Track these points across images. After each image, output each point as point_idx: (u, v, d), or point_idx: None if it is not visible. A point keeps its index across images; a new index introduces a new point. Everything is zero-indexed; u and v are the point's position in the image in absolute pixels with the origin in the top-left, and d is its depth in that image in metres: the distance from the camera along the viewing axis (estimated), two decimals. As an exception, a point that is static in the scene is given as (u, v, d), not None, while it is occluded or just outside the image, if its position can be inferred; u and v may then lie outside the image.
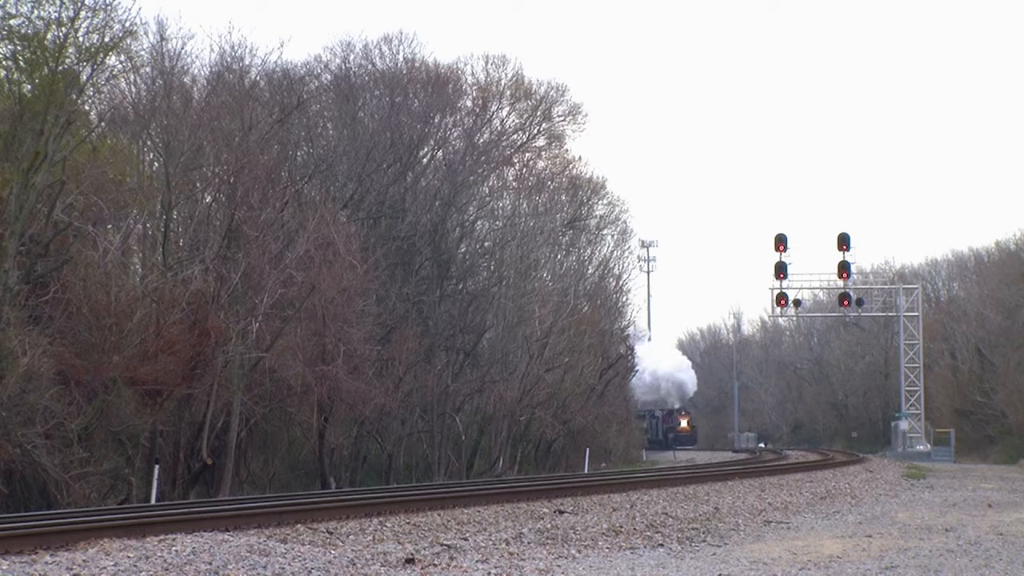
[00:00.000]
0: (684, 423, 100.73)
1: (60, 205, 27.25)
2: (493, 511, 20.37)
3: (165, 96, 34.74)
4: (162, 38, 37.03)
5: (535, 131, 55.22)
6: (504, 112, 54.18)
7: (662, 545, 16.83)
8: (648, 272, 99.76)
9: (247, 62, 40.31)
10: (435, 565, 13.90)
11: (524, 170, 55.59)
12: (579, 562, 14.83)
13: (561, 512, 20.76)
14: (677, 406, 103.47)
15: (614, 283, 68.86)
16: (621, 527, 18.52)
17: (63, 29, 27.21)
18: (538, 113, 54.82)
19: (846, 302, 64.56)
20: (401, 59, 50.53)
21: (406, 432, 43.78)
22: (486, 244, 52.62)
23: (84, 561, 12.62)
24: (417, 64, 50.57)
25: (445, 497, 21.95)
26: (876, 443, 78.51)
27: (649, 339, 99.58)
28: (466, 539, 16.41)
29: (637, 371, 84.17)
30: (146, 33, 36.38)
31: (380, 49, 50.42)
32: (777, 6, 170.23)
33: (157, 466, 27.59)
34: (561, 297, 53.53)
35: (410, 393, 42.37)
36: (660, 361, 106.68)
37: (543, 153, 56.97)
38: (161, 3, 73.38)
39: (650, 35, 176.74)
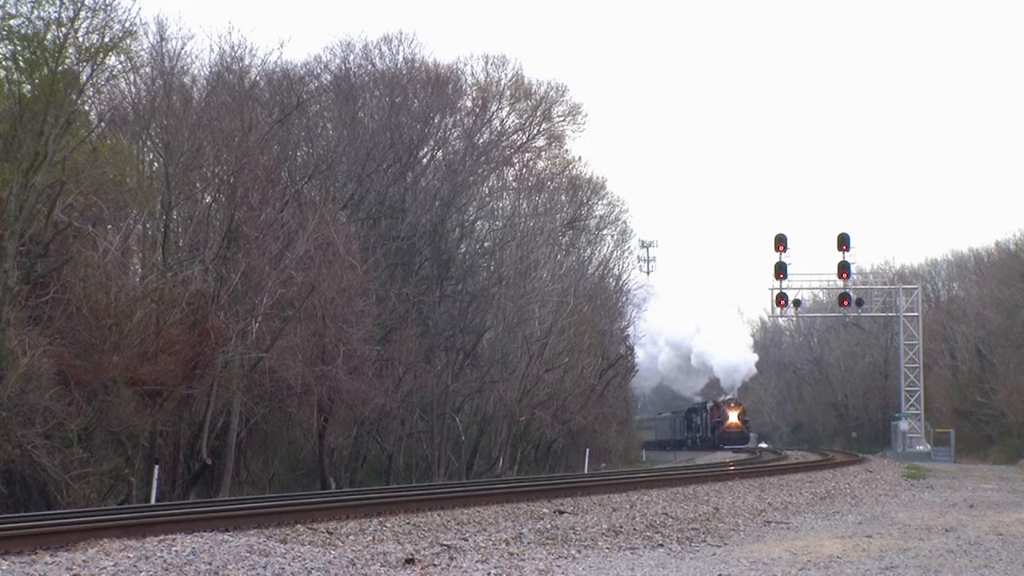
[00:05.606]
0: (734, 416, 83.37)
1: (60, 205, 27.26)
2: (493, 511, 20.36)
3: (165, 96, 34.74)
4: (162, 38, 37.08)
5: (535, 131, 55.29)
6: (504, 112, 54.28)
7: (662, 545, 16.82)
8: (648, 272, 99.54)
9: (247, 62, 40.36)
10: (435, 565, 13.90)
11: (524, 170, 55.66)
12: (579, 562, 14.83)
13: (561, 512, 20.74)
14: (727, 396, 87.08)
15: (614, 283, 68.90)
16: (621, 527, 18.51)
17: (63, 29, 27.23)
18: (538, 113, 54.87)
19: (846, 302, 64.50)
20: (401, 59, 50.59)
21: (406, 432, 43.78)
22: (486, 244, 52.63)
23: (84, 561, 12.62)
24: (417, 64, 50.61)
25: (445, 497, 21.93)
26: (876, 443, 78.47)
27: (650, 298, 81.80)
28: (466, 539, 16.40)
29: (638, 367, 79.45)
30: (146, 33, 36.47)
31: (380, 49, 50.47)
32: (777, 6, 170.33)
33: (157, 466, 27.59)
34: (561, 297, 53.52)
35: (410, 393, 42.37)
36: (692, 331, 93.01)
37: (543, 153, 57.07)
38: (161, 3, 73.44)
39: (650, 35, 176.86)
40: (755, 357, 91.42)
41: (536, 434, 52.81)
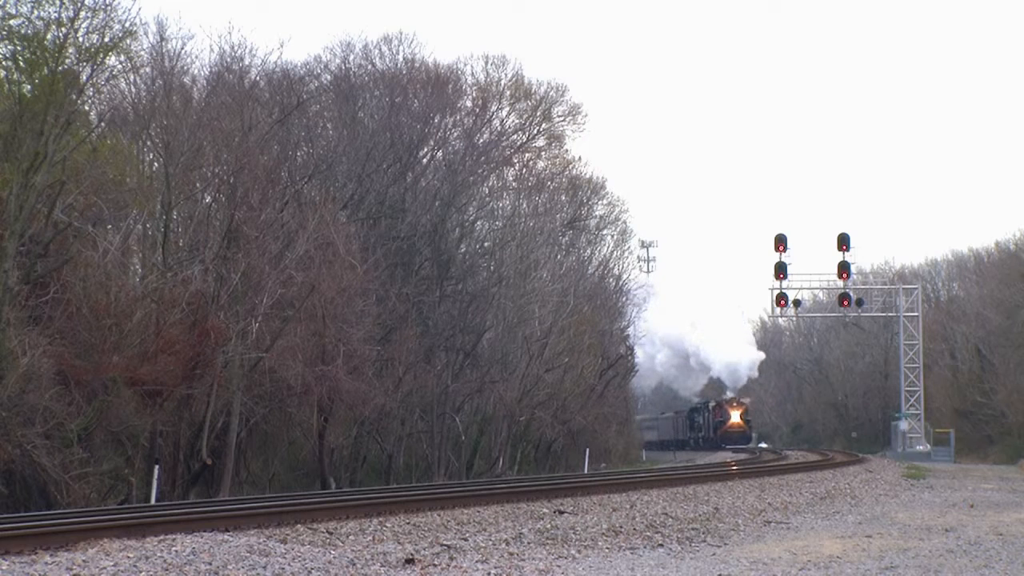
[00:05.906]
0: (736, 416, 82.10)
1: (60, 205, 27.27)
2: (493, 511, 20.36)
3: (165, 96, 34.74)
4: (162, 38, 37.07)
5: (535, 131, 55.29)
6: (504, 112, 54.28)
7: (662, 545, 16.82)
8: (648, 272, 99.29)
9: (247, 62, 40.34)
10: (435, 565, 13.90)
11: (524, 170, 55.66)
12: (579, 562, 14.83)
13: (561, 512, 20.75)
14: (729, 395, 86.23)
15: (614, 283, 68.89)
16: (621, 527, 18.51)
17: (63, 29, 27.24)
18: (538, 113, 54.87)
19: (846, 302, 64.50)
20: (401, 59, 50.59)
21: (406, 432, 43.78)
22: (486, 244, 52.63)
23: (84, 561, 12.62)
24: (417, 64, 50.61)
25: (445, 497, 21.94)
26: (876, 443, 78.47)
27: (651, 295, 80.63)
28: (466, 539, 16.40)
29: (638, 367, 79.30)
30: (146, 33, 36.46)
31: (380, 49, 50.47)
32: (777, 6, 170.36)
33: (157, 466, 27.59)
34: (561, 297, 53.53)
35: (410, 393, 42.37)
36: (688, 330, 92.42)
37: (543, 153, 57.07)
38: (161, 3, 73.42)
39: (650, 35, 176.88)
40: (760, 355, 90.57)
41: (536, 434, 52.81)
